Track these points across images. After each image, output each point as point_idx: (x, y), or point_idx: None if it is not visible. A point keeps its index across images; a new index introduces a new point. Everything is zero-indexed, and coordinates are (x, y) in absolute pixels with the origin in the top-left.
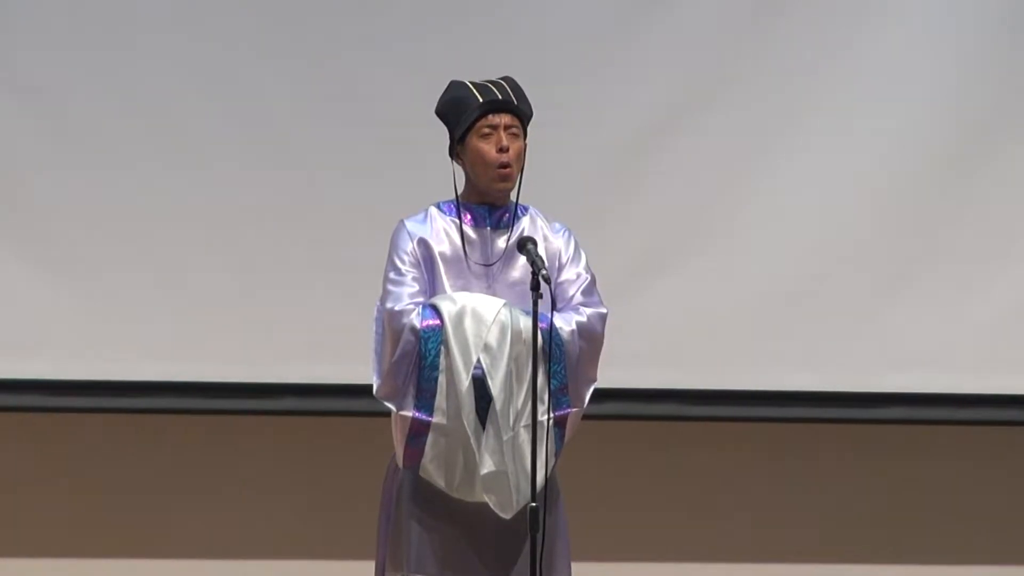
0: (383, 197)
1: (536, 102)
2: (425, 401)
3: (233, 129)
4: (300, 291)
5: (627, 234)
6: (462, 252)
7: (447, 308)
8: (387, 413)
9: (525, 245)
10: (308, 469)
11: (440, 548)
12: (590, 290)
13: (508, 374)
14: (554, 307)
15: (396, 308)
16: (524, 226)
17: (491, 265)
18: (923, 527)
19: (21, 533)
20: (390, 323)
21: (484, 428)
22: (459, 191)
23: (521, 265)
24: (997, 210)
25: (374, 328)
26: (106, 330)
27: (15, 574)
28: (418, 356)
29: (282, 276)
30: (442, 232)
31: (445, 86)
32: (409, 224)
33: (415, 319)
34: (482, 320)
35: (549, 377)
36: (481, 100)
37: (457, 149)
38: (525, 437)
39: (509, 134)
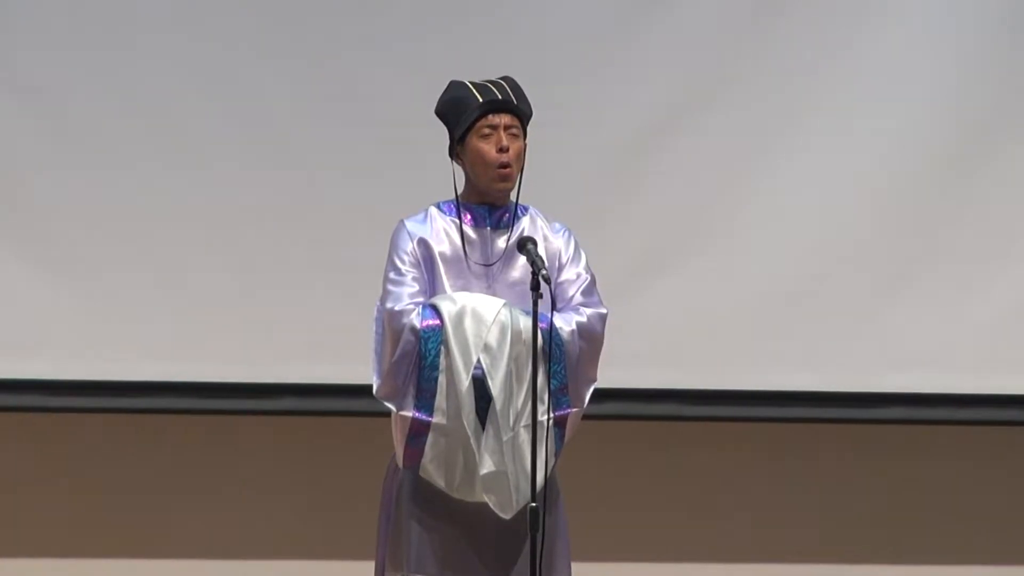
0: (383, 197)
1: (536, 102)
2: (425, 401)
3: (233, 129)
4: (300, 291)
5: (627, 234)
6: (462, 252)
7: (447, 308)
8: (387, 413)
9: (525, 245)
10: (308, 469)
11: (440, 548)
12: (590, 290)
13: (508, 374)
14: (554, 307)
15: (396, 308)
16: (524, 226)
17: (491, 265)
18: (923, 527)
19: (21, 533)
20: (390, 323)
21: (484, 428)
22: (459, 191)
23: (521, 265)
24: (997, 210)
25: (374, 328)
26: (106, 330)
27: (15, 574)
28: (418, 356)
29: (282, 276)
30: (442, 232)
31: (445, 86)
32: (409, 224)
33: (415, 319)
34: (482, 320)
35: (549, 377)
36: (481, 100)
37: (457, 149)
38: (525, 437)
39: (509, 134)
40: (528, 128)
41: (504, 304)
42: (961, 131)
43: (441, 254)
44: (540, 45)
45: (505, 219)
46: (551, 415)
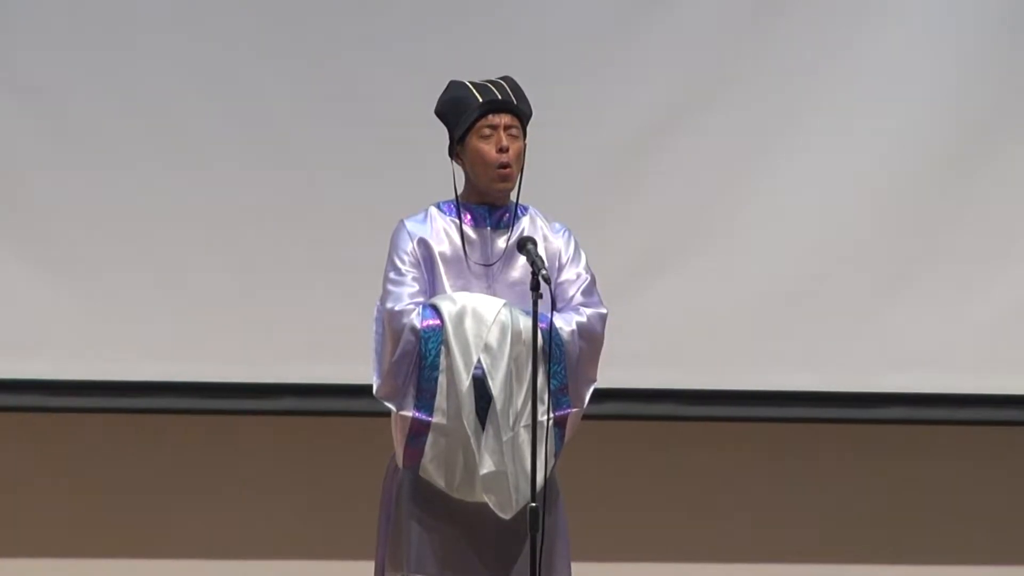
0: (383, 197)
1: (536, 102)
2: (425, 401)
3: (233, 129)
4: (300, 291)
5: (627, 234)
6: (462, 252)
7: (447, 308)
8: (387, 413)
9: (525, 245)
10: (308, 469)
11: (440, 548)
12: (590, 290)
13: (508, 374)
14: (554, 307)
15: (396, 308)
16: (524, 226)
17: (491, 265)
18: (923, 527)
19: (21, 533)
20: (390, 323)
21: (484, 428)
22: (459, 191)
23: (521, 265)
24: (997, 210)
25: (374, 328)
26: (106, 330)
27: (15, 574)
28: (418, 356)
29: (282, 276)
30: (442, 232)
31: (445, 86)
32: (409, 224)
33: (415, 319)
34: (482, 320)
35: (549, 377)
36: (481, 100)
37: (457, 149)
38: (525, 437)
39: (509, 134)
40: (528, 128)
41: (504, 304)
42: (961, 131)
43: (441, 254)
44: (540, 45)
45: (505, 219)
46: (551, 415)
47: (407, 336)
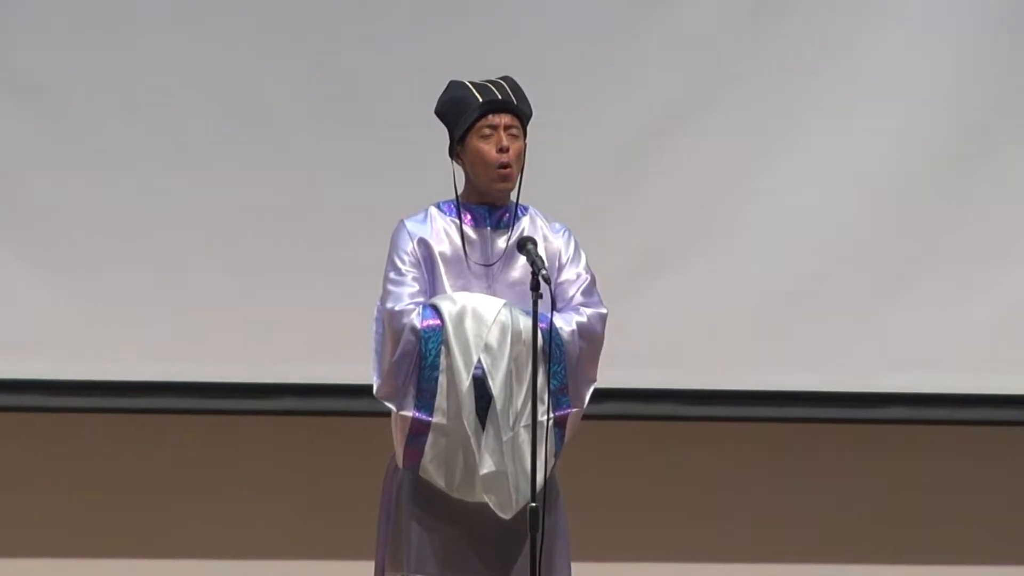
0: (383, 197)
1: (536, 102)
2: (425, 401)
3: (233, 129)
4: (300, 291)
5: (627, 234)
6: (462, 252)
7: (447, 308)
8: (387, 413)
9: (525, 245)
10: (308, 469)
11: (440, 548)
12: (590, 290)
13: (508, 374)
14: (554, 307)
15: (396, 308)
16: (524, 226)
17: (491, 265)
18: (923, 527)
19: (21, 533)
20: (390, 323)
21: (484, 428)
22: (459, 191)
23: (521, 265)
24: (997, 210)
25: (374, 328)
26: (106, 330)
27: (15, 574)
28: (418, 356)
29: (282, 276)
30: (442, 232)
31: (445, 86)
32: (409, 224)
33: (415, 319)
34: (483, 320)
35: (549, 377)
36: (481, 100)
37: (457, 149)
38: (525, 437)
39: (509, 134)
40: (528, 128)
41: (504, 304)
42: (961, 131)
43: (441, 254)
44: (540, 45)
45: (505, 219)
46: (551, 415)
47: (407, 336)
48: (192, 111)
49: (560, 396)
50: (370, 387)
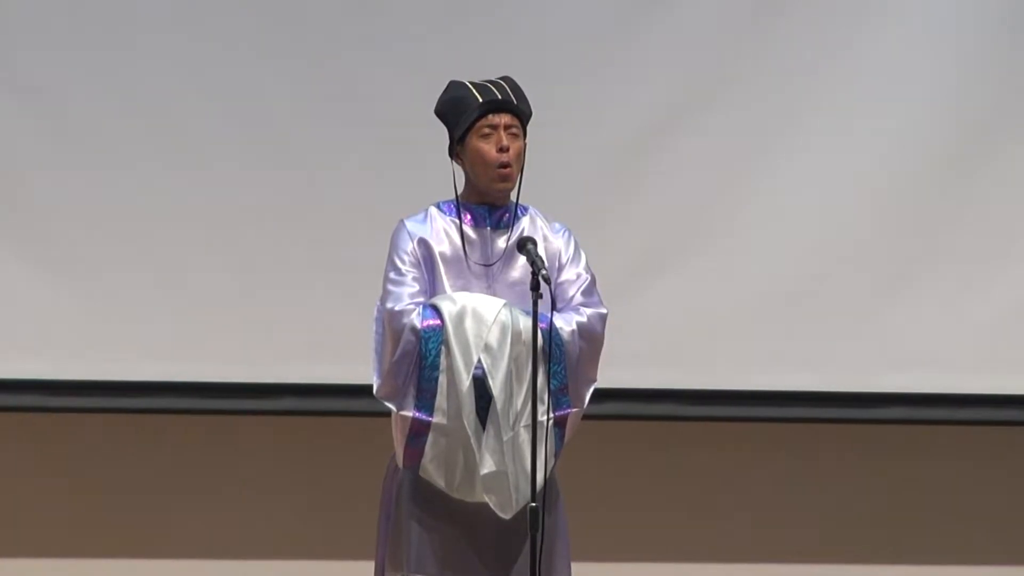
0: (383, 197)
1: (536, 102)
2: (425, 401)
3: (233, 129)
4: (300, 291)
5: (627, 234)
6: (462, 252)
7: (447, 308)
8: (387, 413)
9: (525, 245)
10: (308, 469)
11: (440, 548)
12: (590, 290)
13: (508, 374)
14: (554, 307)
15: (396, 308)
16: (524, 226)
17: (491, 265)
18: (923, 527)
19: (21, 533)
20: (390, 323)
21: (484, 428)
22: (459, 191)
23: (521, 265)
24: (997, 210)
25: (374, 328)
26: (106, 330)
27: (15, 574)
28: (418, 356)
29: (282, 276)
30: (442, 232)
31: (445, 86)
32: (409, 224)
33: (415, 319)
34: (483, 320)
35: (549, 377)
36: (481, 100)
37: (457, 149)
38: (525, 437)
39: (509, 134)
40: (528, 128)
41: (504, 304)
42: (961, 131)
43: (441, 254)
44: (540, 45)
45: (505, 219)
46: (551, 415)
47: (407, 336)
48: (192, 111)
49: (560, 396)
50: (370, 387)
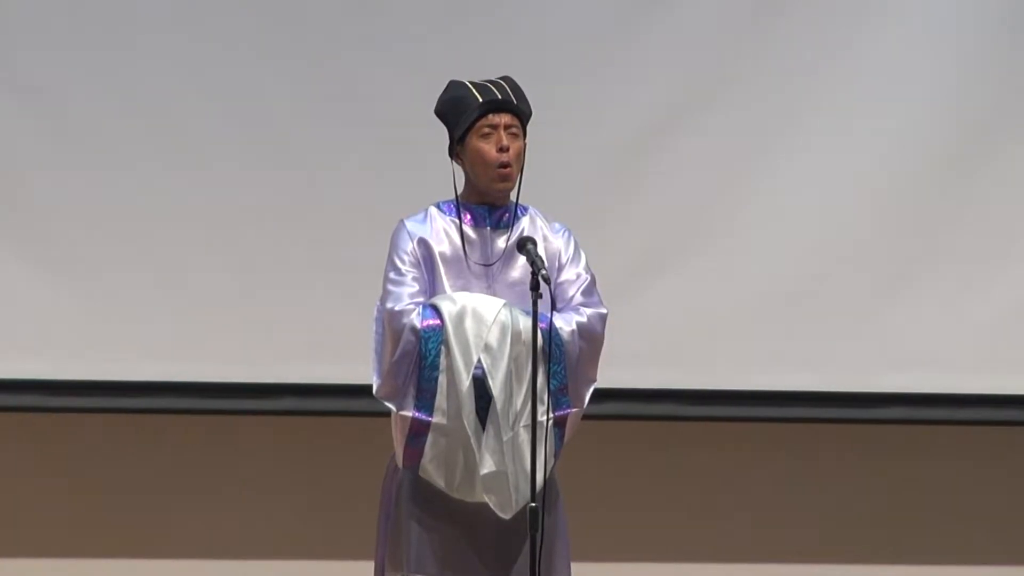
0: (383, 197)
1: (536, 102)
2: (425, 401)
3: (233, 129)
4: (300, 291)
5: (627, 234)
6: (462, 252)
7: (447, 308)
8: (387, 413)
9: (525, 245)
10: (308, 469)
11: (440, 548)
12: (590, 290)
13: (508, 374)
14: (554, 307)
15: (396, 308)
16: (524, 226)
17: (491, 265)
18: (923, 527)
19: (21, 533)
20: (390, 323)
21: (484, 428)
22: (459, 191)
23: (521, 265)
24: (997, 210)
25: (374, 328)
26: (106, 330)
27: (15, 574)
28: (418, 356)
29: (282, 276)
30: (442, 232)
31: (445, 86)
32: (409, 224)
33: (415, 319)
34: (483, 320)
35: (549, 377)
36: (481, 100)
37: (457, 149)
38: (525, 437)
39: (509, 134)
40: (528, 128)
41: (504, 304)
42: (961, 131)
43: (441, 254)
44: (540, 45)
45: (505, 219)
46: (551, 415)
47: (407, 336)
48: (192, 111)
49: (560, 396)
50: (370, 387)
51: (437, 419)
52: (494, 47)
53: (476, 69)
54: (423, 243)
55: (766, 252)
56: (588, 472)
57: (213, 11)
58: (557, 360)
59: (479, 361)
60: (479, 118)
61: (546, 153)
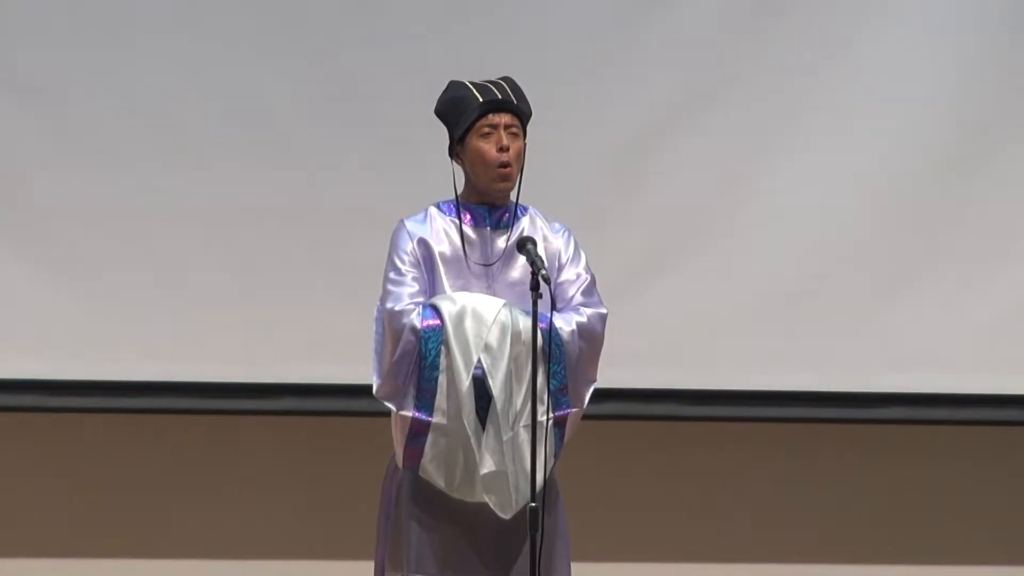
0: (383, 197)
1: (536, 102)
2: (425, 401)
3: (233, 129)
4: (300, 291)
5: (627, 234)
6: (462, 252)
7: (447, 308)
8: (387, 413)
9: (525, 245)
10: (308, 469)
11: (440, 548)
12: (590, 290)
13: (508, 374)
14: (554, 307)
15: (396, 308)
16: (524, 226)
17: (491, 265)
18: (923, 527)
19: (21, 533)
20: (390, 323)
21: (484, 428)
22: (459, 191)
23: (521, 265)
24: (997, 210)
25: (374, 328)
26: (106, 330)
27: (15, 574)
28: (418, 356)
29: (282, 276)
30: (442, 232)
31: (445, 86)
32: (409, 224)
33: (415, 319)
34: (482, 320)
35: (549, 377)
36: (481, 100)
37: (457, 149)
38: (525, 437)
39: (509, 133)
40: (528, 128)
41: (504, 304)
42: (961, 131)
43: (441, 254)
44: (540, 45)
45: (505, 219)
46: (551, 415)
47: (407, 336)
48: (192, 111)
49: (560, 396)
50: (370, 387)
51: (437, 419)
52: (494, 47)
53: (476, 69)
54: (423, 243)
55: (766, 252)
56: (588, 472)
57: (213, 11)
58: (557, 360)
59: (479, 361)
60: (479, 118)
61: (546, 153)
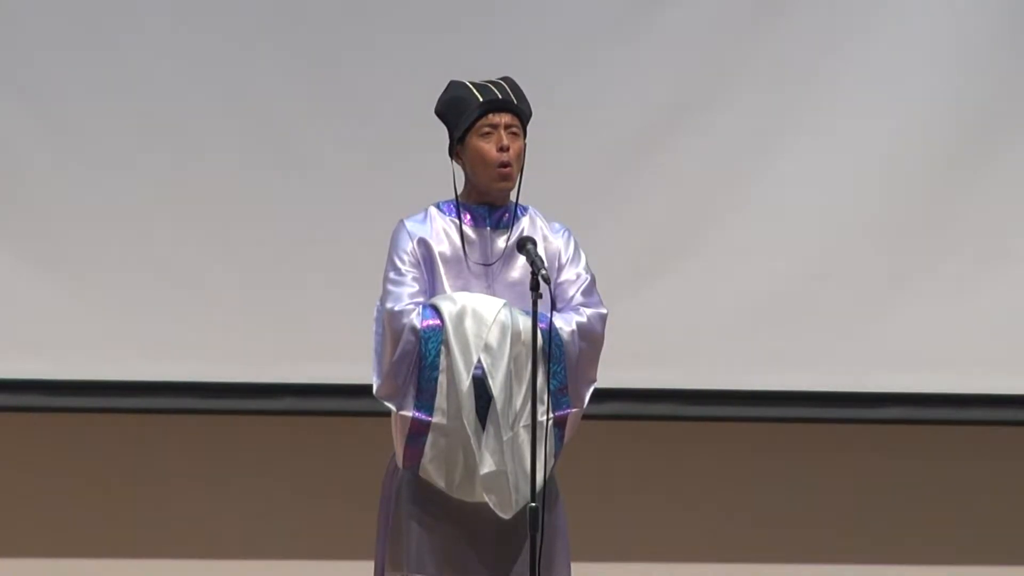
0: (383, 197)
1: (536, 102)
2: (425, 401)
3: (233, 129)
4: (300, 291)
5: (627, 234)
6: (462, 252)
7: (447, 308)
8: (387, 413)
9: (525, 245)
10: (308, 469)
11: (440, 548)
12: (590, 290)
13: (508, 374)
14: (554, 307)
15: (396, 308)
16: (524, 226)
17: (491, 265)
18: (923, 527)
19: (21, 533)
20: (390, 323)
21: (484, 428)
22: (459, 191)
23: (521, 265)
24: (997, 210)
25: (374, 328)
26: (106, 330)
27: (15, 574)
28: (418, 356)
29: (282, 276)
30: (442, 232)
31: (445, 86)
32: (409, 224)
33: (415, 319)
34: (482, 320)
35: (549, 377)
36: (481, 100)
37: (457, 149)
38: (525, 437)
39: (509, 133)
40: (528, 128)
41: (504, 304)
42: (961, 131)
43: (441, 254)
44: (540, 45)
45: (505, 219)
46: (551, 415)
47: (407, 336)
48: (192, 111)
49: (560, 396)
50: (370, 387)
51: (437, 419)
52: (494, 47)
53: (476, 69)
54: (423, 243)
55: (766, 252)
56: (588, 472)
57: (213, 11)
58: (557, 360)
59: (479, 361)
60: (479, 118)
61: (546, 153)
